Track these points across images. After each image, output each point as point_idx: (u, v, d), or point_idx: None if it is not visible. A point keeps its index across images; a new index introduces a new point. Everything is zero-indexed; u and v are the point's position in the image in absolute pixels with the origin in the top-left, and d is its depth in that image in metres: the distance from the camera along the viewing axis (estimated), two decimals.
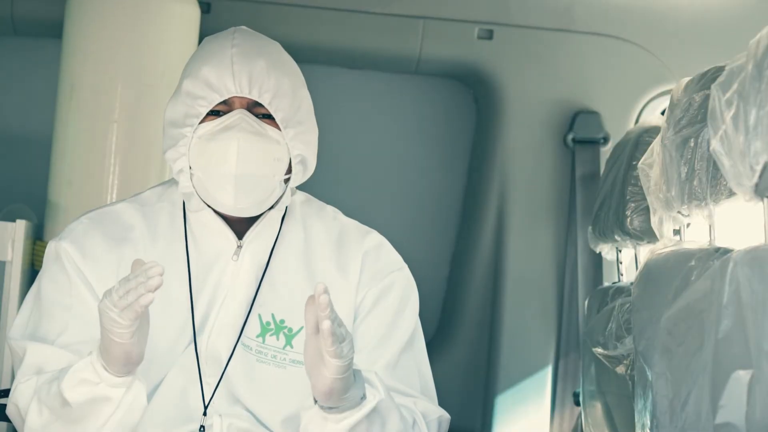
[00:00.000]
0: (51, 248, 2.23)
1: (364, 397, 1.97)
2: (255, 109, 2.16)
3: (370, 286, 2.24)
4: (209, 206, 2.19)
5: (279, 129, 2.16)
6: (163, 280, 2.16)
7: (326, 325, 1.82)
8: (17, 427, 2.13)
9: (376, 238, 2.32)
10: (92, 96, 3.55)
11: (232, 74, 2.14)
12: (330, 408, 1.94)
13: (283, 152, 2.16)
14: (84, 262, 2.19)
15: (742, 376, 1.60)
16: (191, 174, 2.17)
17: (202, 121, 2.15)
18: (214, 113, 2.16)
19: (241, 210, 2.15)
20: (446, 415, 2.23)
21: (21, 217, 3.60)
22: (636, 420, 2.23)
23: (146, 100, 3.53)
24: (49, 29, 3.83)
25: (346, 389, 1.91)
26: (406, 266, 2.32)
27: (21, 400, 2.07)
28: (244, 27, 2.28)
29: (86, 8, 3.57)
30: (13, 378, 2.19)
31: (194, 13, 3.67)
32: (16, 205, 3.88)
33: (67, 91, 3.59)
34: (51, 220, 3.60)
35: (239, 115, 2.13)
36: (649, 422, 2.13)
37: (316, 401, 1.96)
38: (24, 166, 4.11)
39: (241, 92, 2.14)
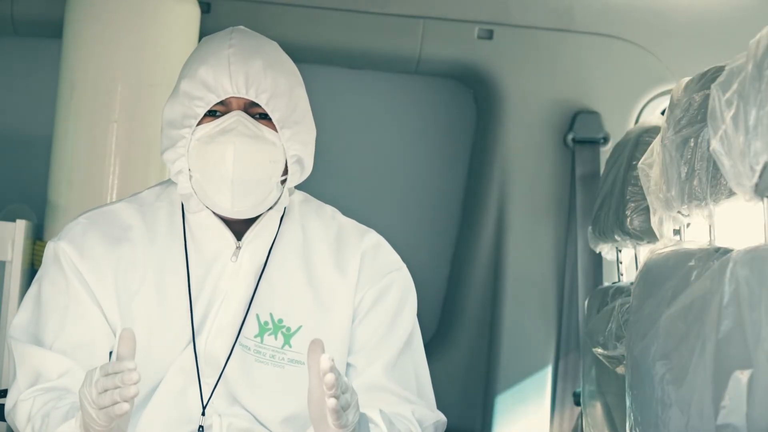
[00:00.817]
0: (49, 248, 2.23)
1: None
2: (252, 109, 2.16)
3: (369, 286, 2.24)
4: (208, 207, 2.19)
5: (275, 129, 2.15)
6: (162, 281, 2.18)
7: (332, 403, 1.81)
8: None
9: (374, 237, 2.32)
10: (92, 96, 3.55)
11: (229, 75, 2.14)
12: None
13: (280, 154, 2.16)
14: (82, 262, 2.19)
15: (743, 376, 1.60)
16: (190, 175, 2.17)
17: (200, 122, 2.15)
18: (212, 113, 2.16)
19: (238, 213, 2.15)
20: (443, 419, 2.23)
21: (21, 217, 3.60)
22: (626, 418, 2.23)
23: (146, 100, 3.53)
24: (49, 29, 3.83)
25: None
26: (404, 266, 2.32)
27: (18, 420, 2.10)
28: (241, 27, 2.28)
29: (86, 8, 3.57)
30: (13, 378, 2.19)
31: (194, 13, 3.67)
32: (16, 205, 3.88)
33: (67, 91, 3.59)
34: (51, 220, 3.60)
35: (236, 117, 2.13)
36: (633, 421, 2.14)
37: None
38: (24, 166, 4.11)
39: (238, 93, 2.14)
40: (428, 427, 2.18)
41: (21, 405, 2.08)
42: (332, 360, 1.79)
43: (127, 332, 1.82)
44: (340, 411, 1.83)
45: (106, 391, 1.79)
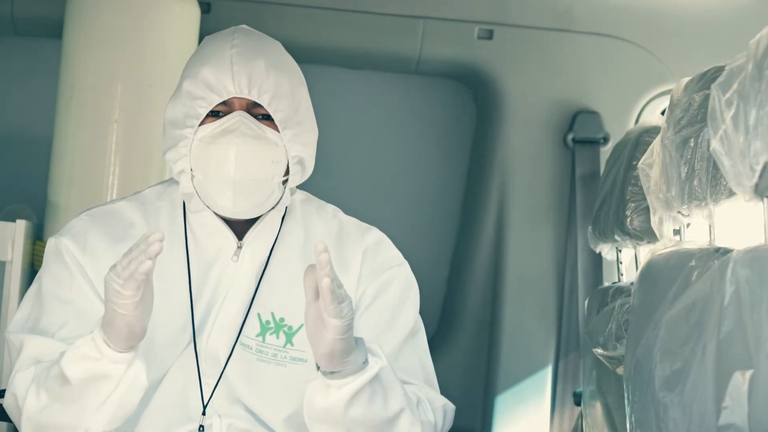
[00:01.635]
0: (51, 244, 2.23)
1: (366, 363, 1.96)
2: (254, 109, 2.16)
3: (370, 281, 2.25)
4: (209, 207, 2.19)
5: (278, 130, 2.16)
6: (163, 280, 2.18)
7: (326, 282, 1.81)
8: (14, 419, 2.12)
9: (376, 234, 2.32)
10: (92, 96, 3.55)
11: (231, 75, 2.14)
12: (332, 373, 1.94)
13: (281, 154, 2.16)
14: (84, 258, 2.19)
15: (744, 376, 1.60)
16: (192, 175, 2.17)
17: (202, 122, 2.15)
18: (214, 114, 2.16)
19: (240, 213, 2.15)
20: (451, 405, 2.23)
21: (21, 217, 3.60)
22: (627, 419, 2.23)
23: (146, 100, 3.53)
24: (49, 29, 3.83)
25: (347, 352, 1.91)
26: (406, 262, 2.32)
27: (19, 388, 2.05)
28: (244, 26, 2.28)
29: (86, 8, 3.57)
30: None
31: (194, 13, 3.67)
32: (16, 205, 3.88)
33: (67, 91, 3.59)
34: (51, 220, 3.60)
35: (238, 118, 2.13)
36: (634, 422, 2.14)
37: (318, 368, 1.96)
38: (24, 166, 4.11)
39: (240, 93, 2.14)
40: (438, 408, 2.18)
41: (20, 374, 2.06)
42: (325, 243, 1.80)
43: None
44: (335, 295, 1.83)
45: (130, 262, 1.83)
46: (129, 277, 1.84)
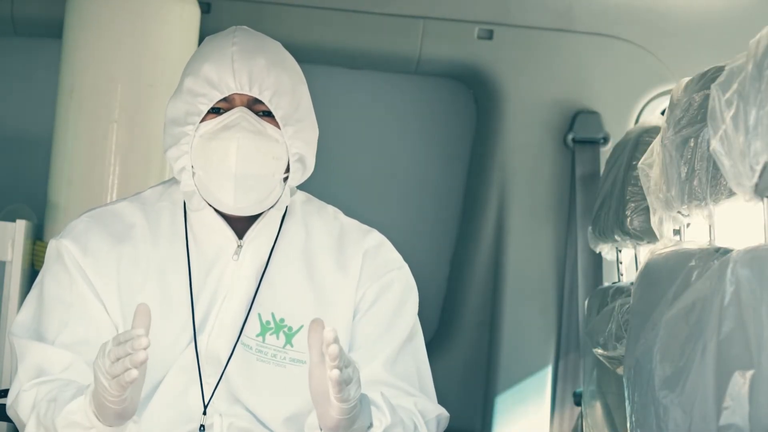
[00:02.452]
0: (52, 246, 2.23)
1: (371, 426, 1.99)
2: (255, 106, 2.16)
3: (370, 284, 2.25)
4: (210, 205, 2.19)
5: (278, 127, 2.16)
6: (164, 280, 2.18)
7: (335, 375, 1.81)
8: (18, 429, 2.14)
9: (376, 237, 2.32)
10: (92, 96, 3.55)
11: (232, 72, 2.14)
12: None
13: (282, 151, 2.16)
14: (85, 260, 2.19)
15: (745, 376, 1.60)
16: (193, 172, 2.17)
17: (203, 119, 2.15)
18: (215, 111, 2.16)
19: (241, 209, 2.15)
20: (445, 413, 2.23)
21: (21, 217, 3.60)
22: (627, 419, 2.23)
23: (146, 100, 3.53)
24: (49, 29, 3.83)
25: (352, 424, 1.92)
26: (406, 265, 2.32)
27: (21, 411, 2.08)
28: (244, 26, 2.28)
29: (86, 8, 3.57)
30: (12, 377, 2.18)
31: (194, 13, 3.67)
32: (16, 205, 3.88)
33: (67, 91, 3.59)
34: (51, 220, 3.60)
35: (239, 113, 2.13)
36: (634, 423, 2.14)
37: (321, 429, 1.96)
38: (24, 166, 4.11)
39: (241, 89, 2.14)
40: (431, 420, 2.18)
41: (23, 395, 2.08)
42: (335, 331, 1.79)
43: (143, 306, 1.85)
44: (343, 384, 1.83)
45: (118, 359, 1.81)
46: (116, 379, 1.83)
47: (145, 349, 1.79)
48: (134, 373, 1.79)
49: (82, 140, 3.56)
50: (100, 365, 1.85)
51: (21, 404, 2.08)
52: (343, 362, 1.83)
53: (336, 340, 1.79)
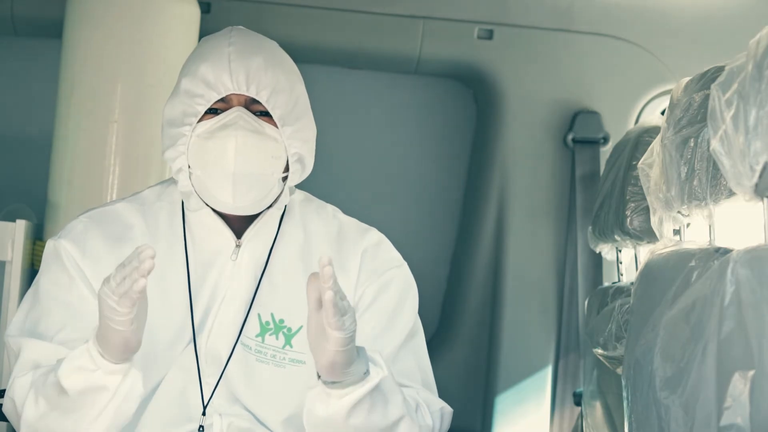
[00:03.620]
0: (50, 247, 2.23)
1: (367, 373, 1.97)
2: (253, 106, 2.16)
3: (369, 283, 2.25)
4: (208, 205, 2.19)
5: (276, 126, 2.16)
6: (163, 279, 2.18)
7: (329, 296, 1.82)
8: (13, 423, 2.12)
9: (375, 235, 2.32)
10: (92, 96, 3.55)
11: (229, 72, 2.14)
12: (333, 383, 1.94)
13: (281, 150, 2.16)
14: (84, 261, 2.19)
15: (746, 376, 1.60)
16: (190, 173, 2.17)
17: (200, 120, 2.15)
18: (213, 111, 2.16)
19: (240, 208, 2.15)
20: (448, 408, 2.23)
21: (21, 217, 3.60)
22: (626, 420, 2.23)
23: (146, 100, 3.53)
24: (49, 29, 3.83)
25: (348, 363, 1.91)
26: (405, 264, 2.32)
27: (18, 394, 2.06)
28: (240, 27, 2.28)
29: (86, 8, 3.57)
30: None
31: (194, 13, 3.67)
32: (16, 205, 3.88)
33: (67, 91, 3.59)
34: (51, 220, 3.60)
35: (237, 113, 2.13)
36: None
37: (319, 377, 1.96)
38: (24, 166, 4.11)
39: (238, 89, 2.14)
40: (435, 411, 2.18)
41: (19, 380, 2.06)
42: (330, 257, 1.81)
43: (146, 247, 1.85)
44: (337, 308, 1.84)
45: (124, 278, 1.83)
46: (123, 295, 1.84)
47: (152, 258, 1.80)
48: (142, 281, 1.81)
49: (82, 140, 3.56)
50: (105, 290, 1.85)
51: (17, 390, 2.06)
52: (338, 291, 1.84)
53: (330, 263, 1.81)
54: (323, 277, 1.81)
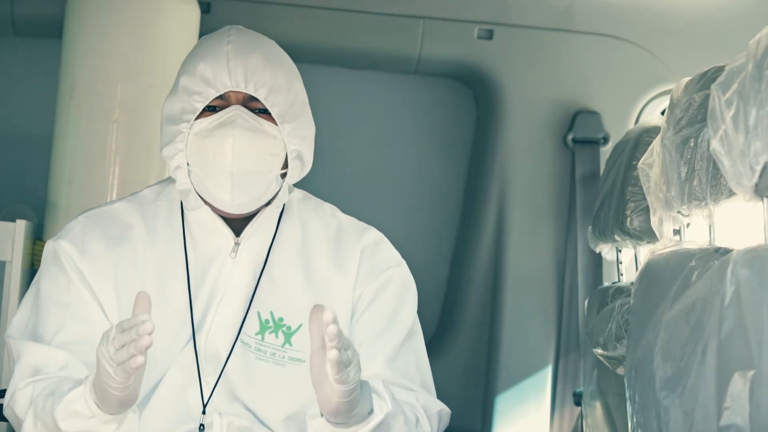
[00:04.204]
0: (49, 247, 2.23)
1: (371, 411, 1.97)
2: (251, 103, 2.16)
3: (368, 282, 2.24)
4: (207, 203, 2.19)
5: (275, 123, 2.16)
6: (162, 278, 2.18)
7: (333, 354, 1.81)
8: (14, 427, 2.14)
9: (374, 234, 2.31)
10: (92, 96, 3.55)
11: (227, 69, 2.14)
12: (337, 423, 1.95)
13: (280, 147, 2.16)
14: (83, 261, 2.18)
15: (745, 376, 1.60)
16: (189, 170, 2.17)
17: (198, 117, 2.15)
18: (211, 109, 2.16)
19: (238, 206, 2.15)
20: (446, 409, 2.23)
21: (21, 217, 3.60)
22: (628, 420, 2.23)
23: (146, 100, 3.53)
24: (49, 29, 3.83)
25: (352, 408, 1.92)
26: (404, 262, 2.31)
27: (18, 408, 2.08)
28: (239, 26, 2.28)
29: (86, 8, 3.57)
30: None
31: (194, 13, 3.67)
32: (16, 205, 3.88)
33: (67, 91, 3.59)
34: (51, 220, 3.60)
35: (235, 111, 2.13)
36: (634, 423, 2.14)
37: (322, 414, 1.96)
38: (24, 166, 4.11)
39: (236, 87, 2.14)
40: (433, 415, 2.18)
41: (20, 393, 2.07)
42: (334, 313, 1.80)
43: (143, 294, 1.85)
44: (341, 364, 1.83)
45: (123, 346, 1.81)
46: (121, 364, 1.83)
47: (149, 334, 1.79)
48: (140, 359, 1.80)
49: (82, 140, 3.56)
50: (104, 352, 1.85)
51: (17, 402, 2.07)
52: (343, 344, 1.83)
53: (335, 321, 1.79)
54: (328, 336, 1.79)
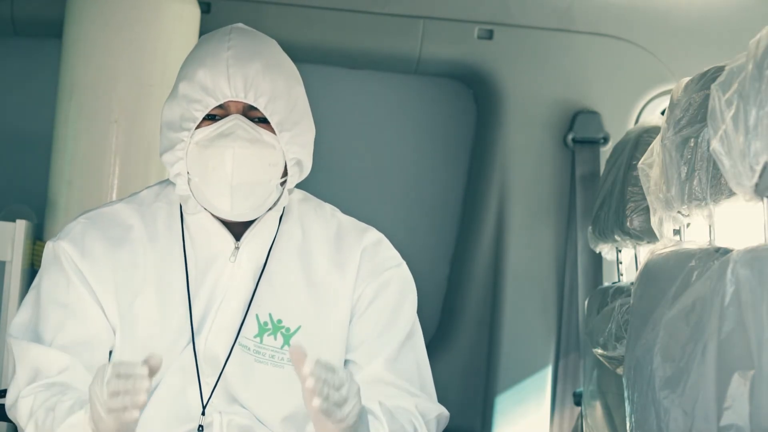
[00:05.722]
0: (49, 248, 2.23)
1: None
2: (250, 112, 2.15)
3: (368, 282, 2.24)
4: (206, 210, 2.19)
5: (274, 132, 2.15)
6: (161, 281, 2.18)
7: (316, 403, 1.81)
8: (19, 430, 2.15)
9: (374, 235, 2.31)
10: (92, 96, 3.55)
11: (227, 78, 2.12)
12: None
13: (279, 156, 2.15)
14: (83, 262, 2.18)
15: (745, 376, 1.60)
16: (189, 178, 2.16)
17: (198, 125, 2.14)
18: (210, 117, 2.15)
19: (238, 216, 2.15)
20: (445, 413, 2.23)
21: (21, 217, 3.60)
22: (627, 420, 2.23)
23: (146, 100, 3.53)
24: (49, 29, 3.83)
25: None
26: (404, 263, 2.31)
27: (20, 417, 2.09)
28: (240, 25, 2.27)
29: (86, 8, 3.57)
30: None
31: (194, 13, 3.67)
32: (16, 205, 3.88)
33: (67, 91, 3.59)
34: (51, 220, 3.61)
35: (235, 121, 2.12)
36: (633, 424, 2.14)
37: None
38: (24, 166, 4.11)
39: (236, 97, 2.13)
40: (431, 420, 2.18)
41: (22, 401, 2.08)
42: (311, 363, 1.79)
43: (157, 358, 1.82)
44: (331, 409, 1.83)
45: (117, 394, 1.79)
46: (113, 411, 1.81)
47: (147, 391, 1.77)
48: (136, 414, 1.78)
49: (82, 140, 3.56)
50: (97, 394, 1.82)
51: (19, 410, 2.08)
52: (333, 386, 1.83)
53: (313, 373, 1.79)
54: (307, 390, 1.79)
